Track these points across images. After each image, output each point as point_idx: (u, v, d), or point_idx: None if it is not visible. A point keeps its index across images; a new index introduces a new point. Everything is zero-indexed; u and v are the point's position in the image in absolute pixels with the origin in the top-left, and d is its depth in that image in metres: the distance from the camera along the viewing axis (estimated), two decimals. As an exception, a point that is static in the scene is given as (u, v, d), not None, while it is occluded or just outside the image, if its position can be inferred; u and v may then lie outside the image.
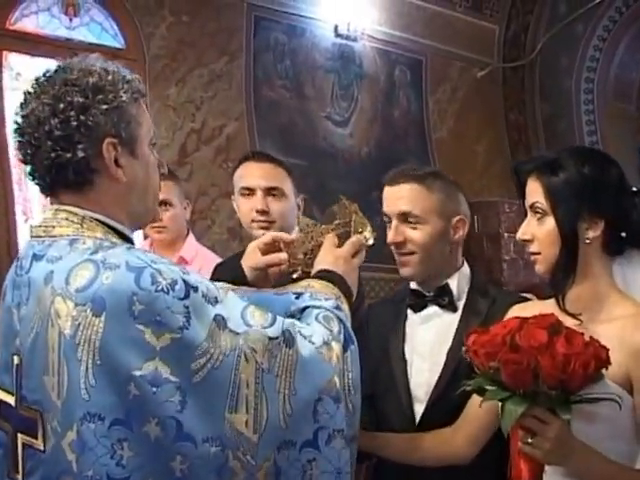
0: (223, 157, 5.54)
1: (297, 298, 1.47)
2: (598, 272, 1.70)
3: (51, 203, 1.43)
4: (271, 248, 1.72)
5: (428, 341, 2.06)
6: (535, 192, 1.71)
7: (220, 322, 1.25)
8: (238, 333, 1.26)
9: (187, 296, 1.23)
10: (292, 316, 1.42)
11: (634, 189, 1.74)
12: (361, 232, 1.67)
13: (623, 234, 1.69)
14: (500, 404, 1.54)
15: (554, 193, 1.67)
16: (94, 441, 1.19)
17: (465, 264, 2.13)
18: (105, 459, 1.18)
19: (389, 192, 2.06)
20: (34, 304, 1.31)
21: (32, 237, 1.40)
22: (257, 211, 2.42)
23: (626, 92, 7.18)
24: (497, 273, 5.82)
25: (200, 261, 3.20)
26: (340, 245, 1.62)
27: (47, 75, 1.40)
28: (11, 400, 1.35)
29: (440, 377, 2.00)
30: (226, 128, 5.63)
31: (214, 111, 5.58)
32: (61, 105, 1.34)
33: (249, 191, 2.46)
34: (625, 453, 1.61)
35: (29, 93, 1.39)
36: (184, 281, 1.24)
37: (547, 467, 1.59)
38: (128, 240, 1.41)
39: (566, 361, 1.46)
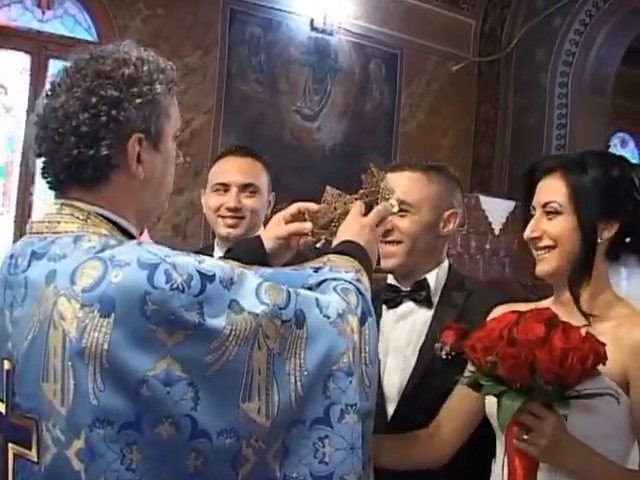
0: (182, 151, 5.49)
1: (316, 272, 1.42)
2: (600, 274, 1.70)
3: (55, 197, 1.33)
4: (296, 219, 1.68)
5: (402, 339, 2.01)
6: (553, 190, 1.71)
7: (235, 307, 1.19)
8: (255, 314, 1.21)
9: (203, 290, 1.17)
10: (309, 289, 1.37)
11: None
12: (387, 199, 1.64)
13: (628, 239, 1.71)
14: (494, 399, 1.53)
15: (581, 191, 1.68)
16: (104, 447, 1.13)
17: (446, 259, 2.10)
18: (116, 465, 1.13)
19: (389, 179, 2.03)
20: (33, 306, 1.23)
21: (32, 233, 1.31)
22: (228, 208, 2.39)
23: (601, 86, 7.25)
24: (443, 267, 5.77)
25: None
26: (366, 214, 1.59)
27: (78, 65, 1.30)
28: (1, 408, 1.28)
29: (412, 374, 1.96)
30: (193, 122, 5.60)
31: (184, 105, 5.48)
32: (93, 99, 1.26)
33: (224, 187, 2.43)
34: (619, 451, 1.61)
35: (58, 85, 1.29)
36: (199, 273, 1.18)
37: (541, 465, 1.56)
38: (132, 238, 1.32)
39: (564, 355, 1.45)
